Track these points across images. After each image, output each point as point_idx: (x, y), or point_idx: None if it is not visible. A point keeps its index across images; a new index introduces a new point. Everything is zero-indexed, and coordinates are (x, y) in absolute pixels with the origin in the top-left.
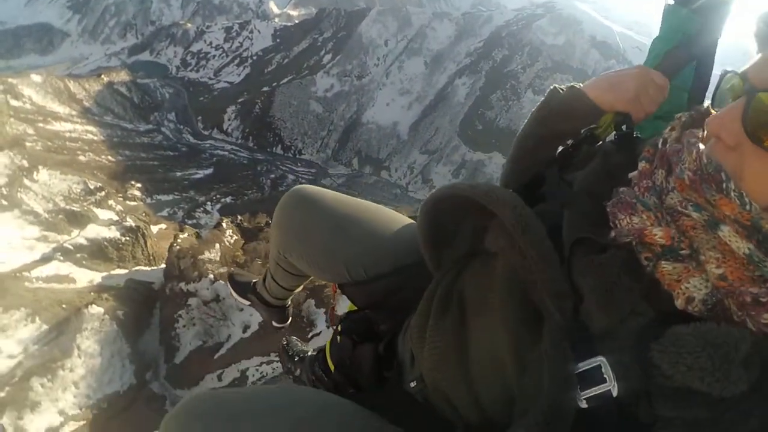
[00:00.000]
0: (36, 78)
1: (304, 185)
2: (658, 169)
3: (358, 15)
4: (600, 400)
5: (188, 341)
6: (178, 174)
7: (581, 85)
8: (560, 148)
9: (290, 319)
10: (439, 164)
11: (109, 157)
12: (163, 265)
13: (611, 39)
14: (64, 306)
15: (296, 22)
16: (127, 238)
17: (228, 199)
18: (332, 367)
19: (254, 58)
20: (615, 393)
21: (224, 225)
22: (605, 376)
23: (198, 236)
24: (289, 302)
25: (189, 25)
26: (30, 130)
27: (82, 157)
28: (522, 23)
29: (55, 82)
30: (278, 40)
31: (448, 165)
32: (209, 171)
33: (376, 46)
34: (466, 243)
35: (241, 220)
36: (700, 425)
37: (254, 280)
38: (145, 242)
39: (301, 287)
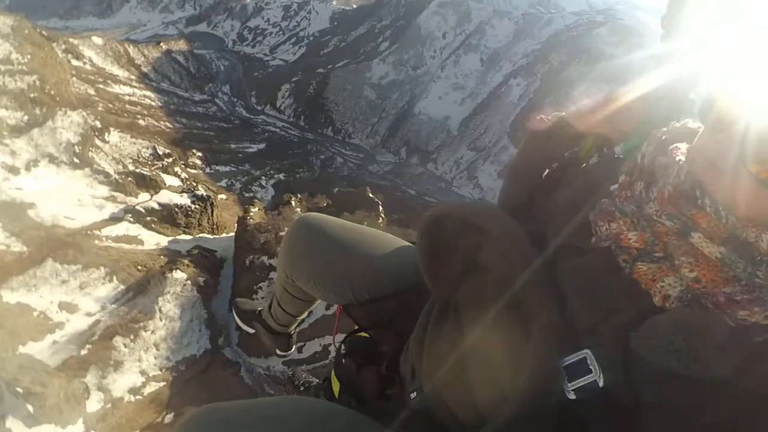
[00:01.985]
0: (97, 40)
1: (311, 213)
2: (637, 181)
3: (418, 5)
4: (587, 391)
5: None
6: (233, 146)
7: (563, 113)
8: (547, 171)
9: (294, 347)
10: (486, 162)
11: (167, 124)
12: (225, 235)
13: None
14: (139, 267)
15: (354, 6)
16: (197, 207)
17: (281, 176)
18: (337, 394)
19: (311, 38)
20: (601, 383)
21: (293, 203)
22: (590, 367)
23: (266, 211)
24: (293, 330)
25: (247, 0)
26: (91, 91)
27: (141, 121)
28: (582, 29)
29: (115, 45)
30: (336, 23)
31: (495, 164)
32: (262, 146)
33: (433, 38)
34: (462, 261)
35: (300, 199)
36: (684, 410)
37: (259, 308)
38: (212, 212)
39: (306, 314)
